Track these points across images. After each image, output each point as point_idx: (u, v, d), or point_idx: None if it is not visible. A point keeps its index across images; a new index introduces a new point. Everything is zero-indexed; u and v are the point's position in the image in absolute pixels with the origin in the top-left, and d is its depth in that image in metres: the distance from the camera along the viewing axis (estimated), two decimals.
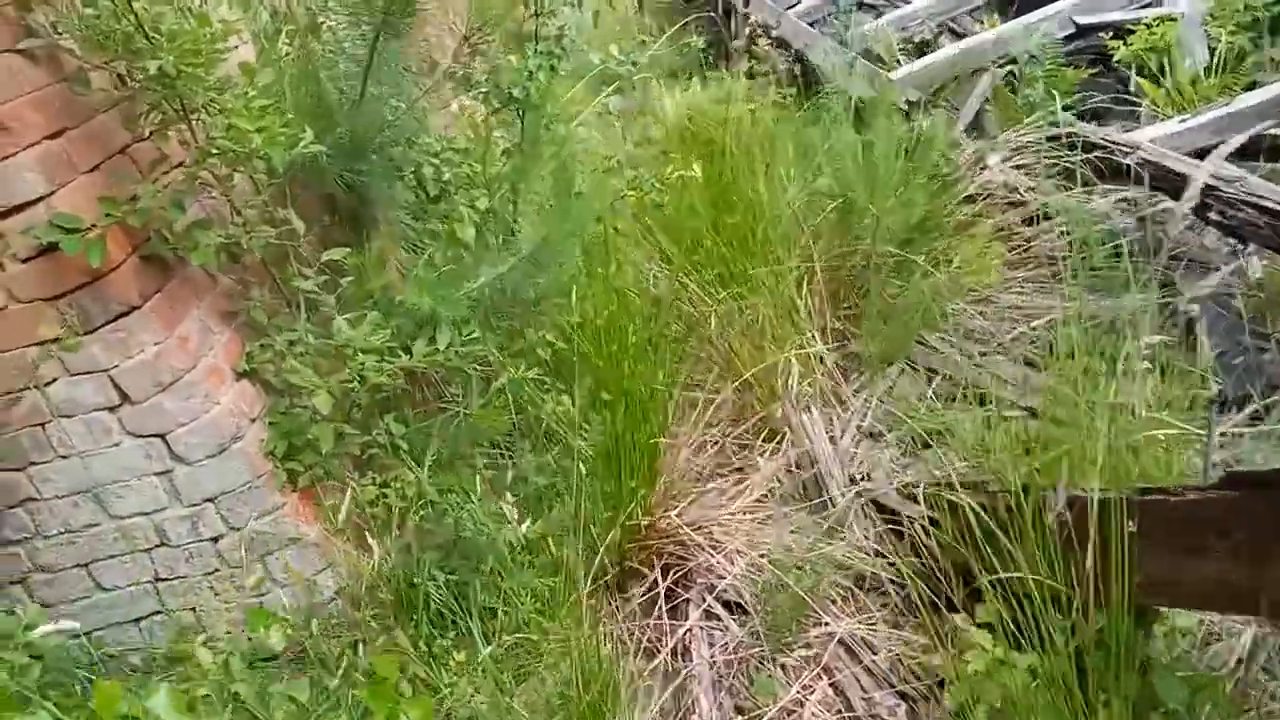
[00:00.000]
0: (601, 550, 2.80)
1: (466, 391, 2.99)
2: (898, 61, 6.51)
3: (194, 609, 2.86)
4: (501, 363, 2.94)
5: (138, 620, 2.86)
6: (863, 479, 3.05)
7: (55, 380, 2.50)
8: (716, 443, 3.29)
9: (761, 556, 2.82)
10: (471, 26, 2.84)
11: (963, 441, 3.08)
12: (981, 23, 7.03)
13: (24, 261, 2.34)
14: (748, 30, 7.92)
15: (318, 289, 2.62)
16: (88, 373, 2.50)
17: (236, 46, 2.99)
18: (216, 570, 2.81)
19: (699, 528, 2.87)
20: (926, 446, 3.26)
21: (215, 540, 2.77)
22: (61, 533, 2.71)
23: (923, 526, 2.64)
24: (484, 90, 3.32)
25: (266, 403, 2.84)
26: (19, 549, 2.72)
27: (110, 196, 2.39)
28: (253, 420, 2.75)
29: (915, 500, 2.76)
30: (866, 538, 2.84)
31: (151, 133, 2.49)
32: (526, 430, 3.15)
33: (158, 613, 2.86)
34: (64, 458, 2.60)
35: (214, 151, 2.29)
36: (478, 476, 2.76)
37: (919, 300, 3.60)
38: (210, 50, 2.28)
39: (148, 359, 2.50)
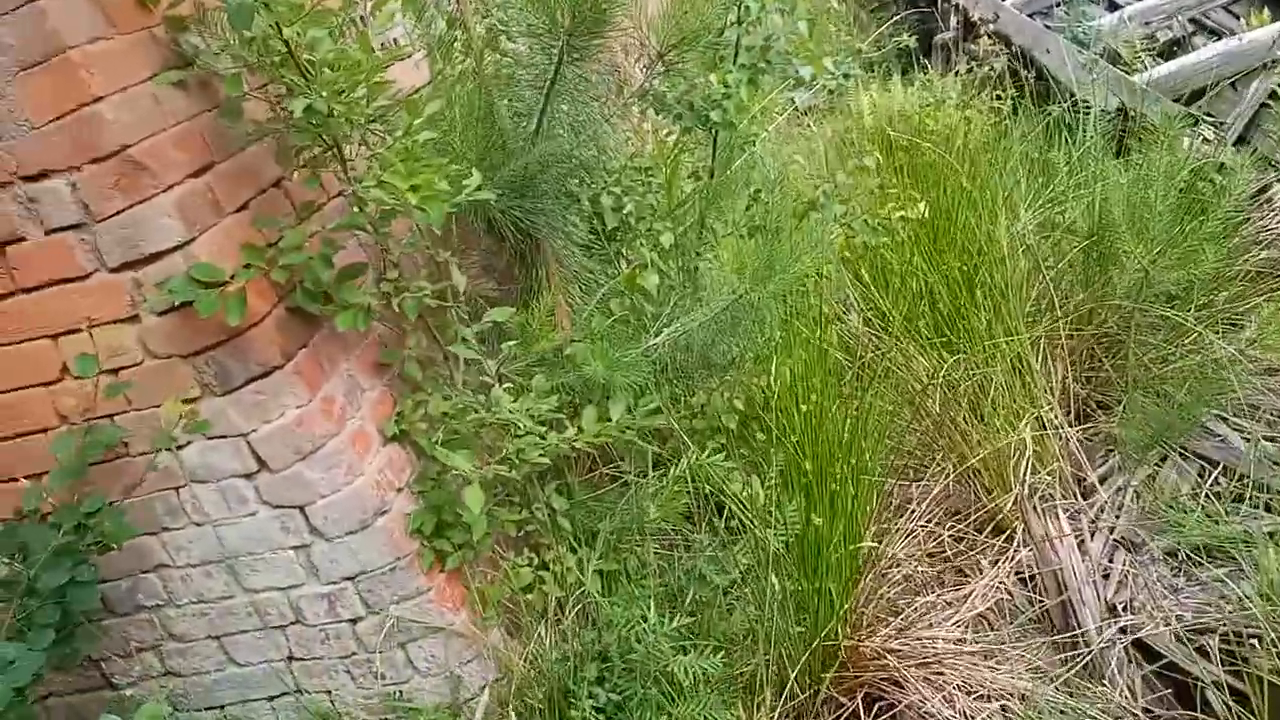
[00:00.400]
0: (793, 674, 2.36)
1: (640, 467, 2.61)
2: (1141, 63, 5.69)
3: (329, 693, 2.61)
4: (683, 438, 2.54)
5: (271, 699, 2.65)
6: (1124, 608, 2.47)
7: (190, 443, 2.29)
8: (932, 534, 2.78)
9: (995, 702, 2.30)
10: (666, 42, 2.44)
11: (1261, 567, 2.44)
12: (1240, 19, 6.09)
13: (160, 314, 2.13)
14: (958, 23, 7.23)
15: (477, 351, 2.29)
16: (224, 436, 2.28)
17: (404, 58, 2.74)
18: (354, 654, 2.55)
19: (914, 661, 2.38)
20: (1203, 564, 2.63)
21: (354, 622, 2.50)
22: (193, 602, 2.51)
23: (1218, 695, 2.05)
24: (676, 112, 2.92)
25: (416, 468, 2.55)
26: (152, 615, 2.54)
27: (253, 245, 2.14)
28: (399, 490, 2.47)
29: (1205, 654, 2.17)
30: (1133, 693, 2.27)
31: (305, 165, 2.23)
32: (704, 511, 2.74)
33: (291, 693, 2.63)
34: (197, 525, 2.40)
35: (366, 204, 1.99)
36: (650, 579, 2.37)
37: (1195, 371, 2.95)
38: (371, 81, 1.98)
39: (288, 424, 2.25)
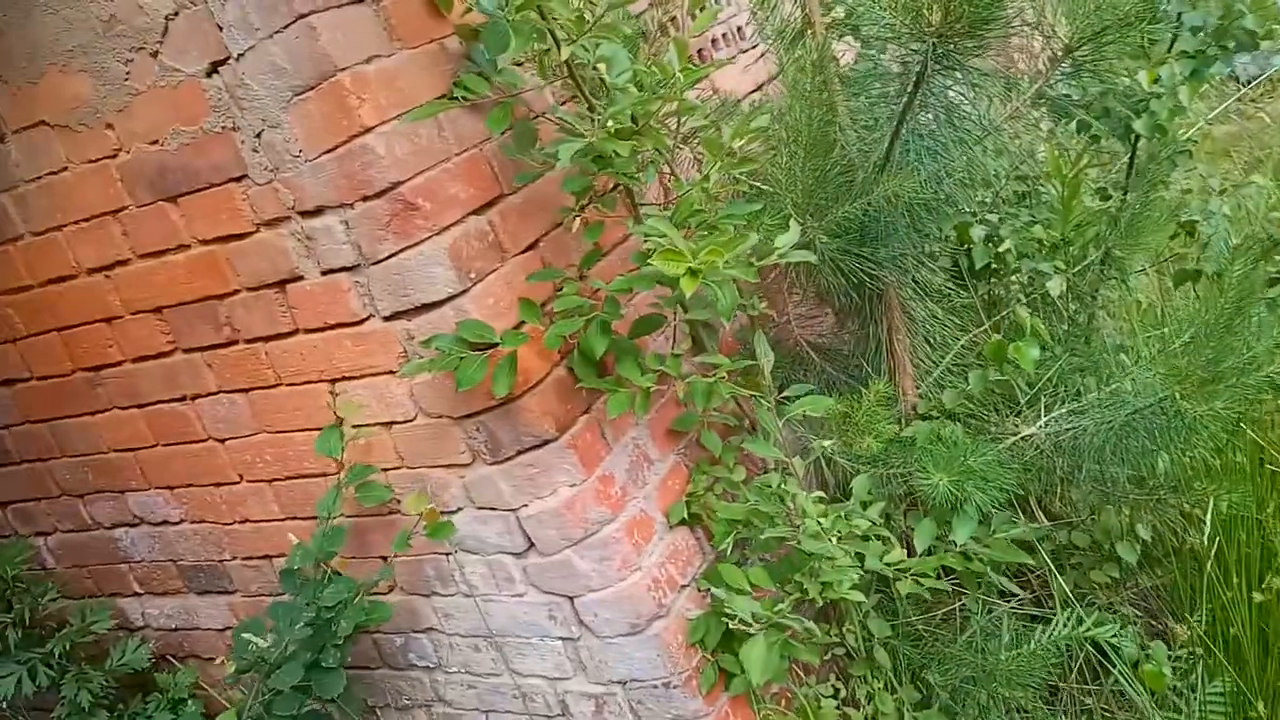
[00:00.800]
0: None
1: (985, 607, 2.01)
2: None
3: None
4: (1047, 564, 1.90)
5: None
6: None
7: (460, 510, 2.06)
8: None
9: None
10: (1081, 34, 1.78)
11: None
12: None
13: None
14: None
15: (782, 448, 1.82)
16: (492, 509, 2.01)
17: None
18: None
19: None
20: None
21: None
22: (461, 672, 2.31)
23: None
24: (1081, 120, 2.23)
25: (708, 560, 2.15)
26: (423, 675, 2.39)
27: (531, 301, 1.83)
28: (683, 587, 2.08)
29: None
30: None
31: (590, 202, 1.87)
32: (1078, 656, 2.07)
33: None
34: (466, 596, 2.17)
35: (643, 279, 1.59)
36: None
37: None
38: (679, 104, 1.57)
39: (557, 506, 1.93)
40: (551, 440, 1.89)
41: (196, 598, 2.62)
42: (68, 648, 2.35)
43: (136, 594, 2.71)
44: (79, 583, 2.80)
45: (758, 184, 1.99)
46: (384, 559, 2.19)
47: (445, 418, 1.94)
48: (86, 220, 2.12)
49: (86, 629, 2.41)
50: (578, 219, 1.68)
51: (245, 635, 1.82)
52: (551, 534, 1.96)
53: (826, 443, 1.81)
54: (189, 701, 2.54)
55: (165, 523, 2.52)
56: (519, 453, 1.92)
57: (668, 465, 2.14)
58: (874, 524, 1.79)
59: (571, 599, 2.03)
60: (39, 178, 2.13)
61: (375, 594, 2.24)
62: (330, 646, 1.82)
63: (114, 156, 2.00)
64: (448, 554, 2.13)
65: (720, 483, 2.16)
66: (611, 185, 1.73)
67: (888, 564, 1.82)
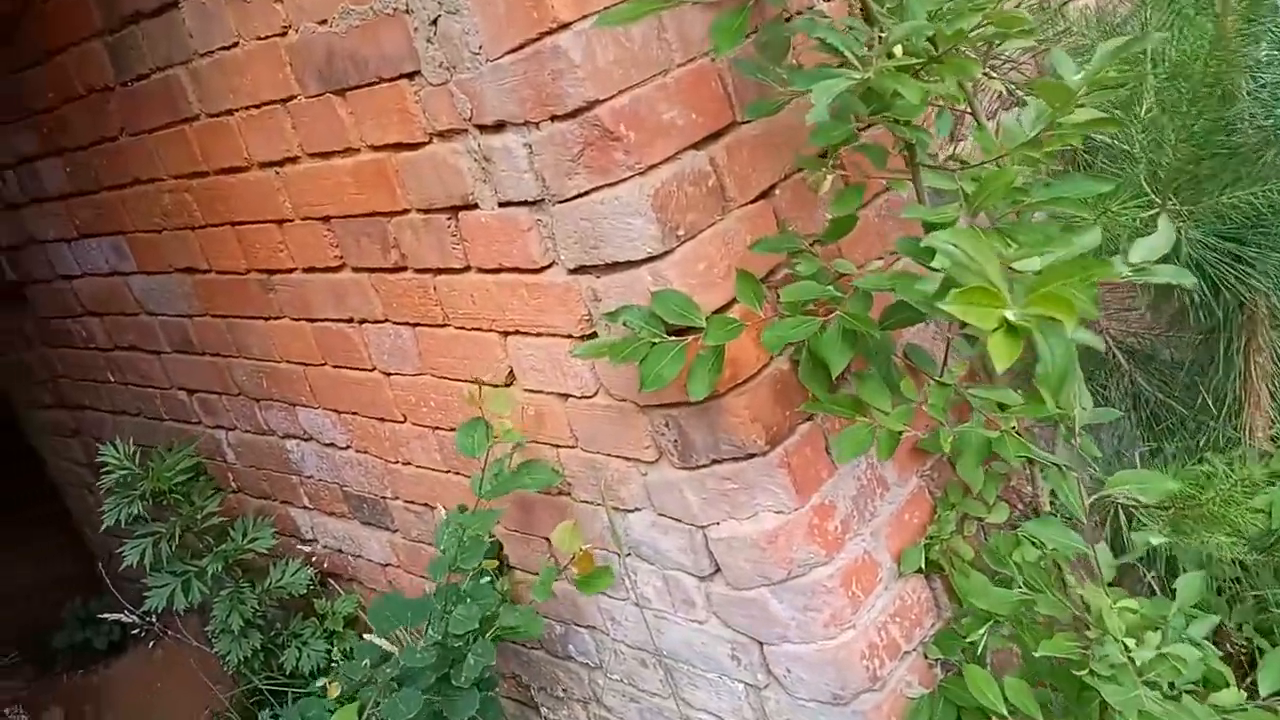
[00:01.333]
0: None
1: None
2: None
3: None
4: None
5: None
6: None
7: (638, 510, 1.69)
8: None
9: None
10: None
11: None
12: None
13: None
14: None
15: (1085, 542, 1.29)
16: (675, 520, 1.63)
17: None
18: None
19: None
20: None
21: None
22: (624, 682, 2.00)
23: None
24: None
25: (943, 617, 1.69)
26: (582, 671, 2.10)
27: (750, 274, 1.38)
28: (907, 653, 1.64)
29: None
30: None
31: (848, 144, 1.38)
32: None
33: None
34: (636, 606, 1.83)
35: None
36: None
37: None
38: (999, 20, 1.04)
39: (756, 535, 1.52)
40: (759, 454, 1.47)
41: (361, 526, 2.45)
42: (221, 567, 2.23)
43: (307, 508, 2.59)
44: (256, 484, 2.72)
45: (1100, 136, 1.42)
46: (548, 540, 1.89)
47: (630, 402, 1.56)
48: (257, 107, 1.87)
49: (244, 547, 2.29)
50: (829, 179, 1.20)
51: (369, 638, 1.57)
52: (744, 566, 1.56)
53: (1155, 539, 1.27)
54: (343, 634, 2.41)
55: (333, 445, 2.34)
56: (714, 462, 1.52)
57: (907, 492, 1.67)
58: (1206, 654, 1.26)
59: (761, 645, 1.64)
60: (211, 52, 1.89)
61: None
62: (459, 663, 1.53)
63: (283, 35, 1.71)
64: (621, 555, 1.78)
65: (975, 523, 1.68)
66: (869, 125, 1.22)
67: (1215, 707, 1.28)
